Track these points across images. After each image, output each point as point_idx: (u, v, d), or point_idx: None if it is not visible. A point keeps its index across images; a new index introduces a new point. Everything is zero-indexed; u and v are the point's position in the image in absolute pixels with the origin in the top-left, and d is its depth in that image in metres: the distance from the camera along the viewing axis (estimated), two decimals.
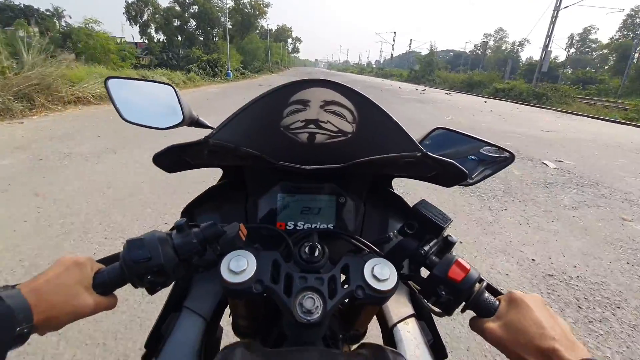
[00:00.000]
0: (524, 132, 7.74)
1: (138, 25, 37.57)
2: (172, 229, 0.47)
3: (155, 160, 0.48)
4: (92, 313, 0.41)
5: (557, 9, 19.71)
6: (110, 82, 0.64)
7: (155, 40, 34.04)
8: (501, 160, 0.63)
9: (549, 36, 19.96)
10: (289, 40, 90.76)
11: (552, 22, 19.81)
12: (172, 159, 0.51)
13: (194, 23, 39.33)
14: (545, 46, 20.07)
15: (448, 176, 0.52)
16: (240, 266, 0.42)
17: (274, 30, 75.99)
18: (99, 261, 0.47)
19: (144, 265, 0.41)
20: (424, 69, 37.69)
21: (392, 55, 66.36)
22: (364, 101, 0.43)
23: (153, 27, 38.13)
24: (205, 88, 15.07)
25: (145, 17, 37.48)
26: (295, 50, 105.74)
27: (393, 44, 60.86)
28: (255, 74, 30.15)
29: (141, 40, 36.94)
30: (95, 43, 14.87)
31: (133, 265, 0.41)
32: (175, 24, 38.51)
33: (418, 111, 10.65)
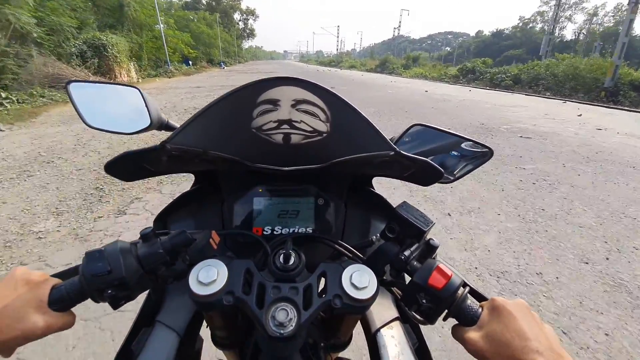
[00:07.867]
0: None
1: None
2: (139, 238, 0.45)
3: (107, 169, 0.43)
4: (45, 334, 0.38)
5: None
6: (72, 86, 0.60)
7: None
8: (480, 155, 0.62)
9: None
10: (236, 16, 53.25)
11: None
12: (128, 167, 0.47)
13: None
14: None
15: (424, 175, 0.50)
16: (209, 277, 0.40)
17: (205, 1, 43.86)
18: (56, 275, 0.43)
19: (103, 278, 0.39)
20: None
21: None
22: (335, 99, 0.41)
23: None
24: None
25: None
26: (250, 32, 61.74)
27: None
28: None
29: None
30: None
31: (92, 279, 0.39)
32: None
33: None
